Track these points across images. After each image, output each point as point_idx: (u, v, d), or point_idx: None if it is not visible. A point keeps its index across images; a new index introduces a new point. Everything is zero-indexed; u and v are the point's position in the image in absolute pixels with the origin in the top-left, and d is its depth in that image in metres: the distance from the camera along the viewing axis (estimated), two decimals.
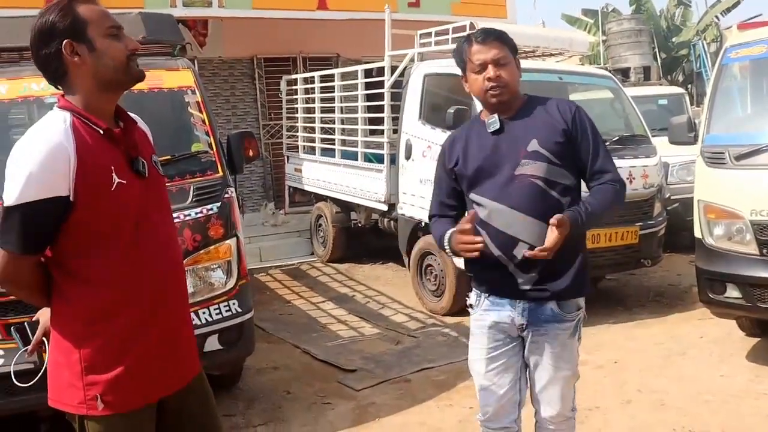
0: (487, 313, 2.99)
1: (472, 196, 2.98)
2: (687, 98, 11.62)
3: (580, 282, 2.98)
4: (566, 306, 2.94)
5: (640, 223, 6.78)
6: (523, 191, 2.85)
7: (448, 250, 2.94)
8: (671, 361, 5.57)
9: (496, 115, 2.92)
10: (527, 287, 2.89)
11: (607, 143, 6.66)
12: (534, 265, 2.86)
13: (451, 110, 6.48)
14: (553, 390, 2.98)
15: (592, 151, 2.90)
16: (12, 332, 2.55)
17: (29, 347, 2.51)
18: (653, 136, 7.65)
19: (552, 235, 2.73)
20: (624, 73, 14.11)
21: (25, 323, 2.51)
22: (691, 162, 8.78)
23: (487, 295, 3.00)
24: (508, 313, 2.94)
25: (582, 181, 3.00)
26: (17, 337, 2.53)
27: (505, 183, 2.87)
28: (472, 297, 3.09)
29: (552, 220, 2.72)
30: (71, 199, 2.11)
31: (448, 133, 6.64)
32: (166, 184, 2.54)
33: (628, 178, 6.62)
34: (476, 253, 2.80)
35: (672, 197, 8.46)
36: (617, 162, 6.46)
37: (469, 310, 3.12)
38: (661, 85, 13.28)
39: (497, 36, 2.92)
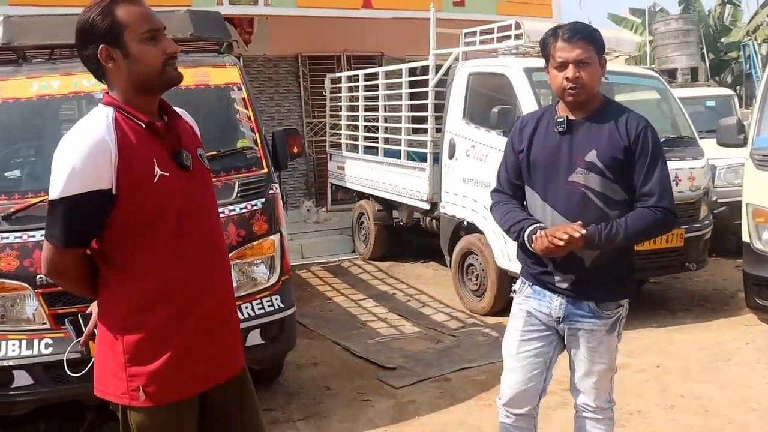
0: (528, 300, 3.10)
1: (527, 189, 3.05)
2: (736, 100, 11.40)
3: (618, 290, 3.04)
4: (604, 305, 3.00)
5: (686, 226, 6.66)
6: (573, 199, 2.89)
7: (526, 242, 2.93)
8: (715, 367, 5.48)
9: (564, 117, 2.94)
10: (563, 286, 2.97)
11: None
12: (572, 268, 2.93)
13: (496, 110, 6.46)
14: (588, 381, 3.07)
15: (646, 172, 2.89)
16: (66, 323, 2.60)
17: (81, 339, 2.56)
18: (700, 138, 7.52)
19: (559, 230, 2.78)
20: (671, 74, 13.87)
21: (79, 315, 2.56)
22: (739, 165, 8.63)
23: (531, 283, 3.09)
24: (546, 304, 3.04)
25: None
26: (71, 328, 2.58)
27: (558, 186, 2.92)
28: (518, 283, 3.19)
29: (568, 230, 2.77)
30: (114, 192, 2.15)
31: (492, 132, 6.69)
32: (212, 180, 2.57)
33: (674, 180, 6.51)
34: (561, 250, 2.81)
35: (719, 200, 8.32)
36: None
37: (513, 295, 3.23)
38: (709, 86, 13.03)
39: (585, 35, 2.88)
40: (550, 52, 2.92)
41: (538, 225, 2.90)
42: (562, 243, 2.75)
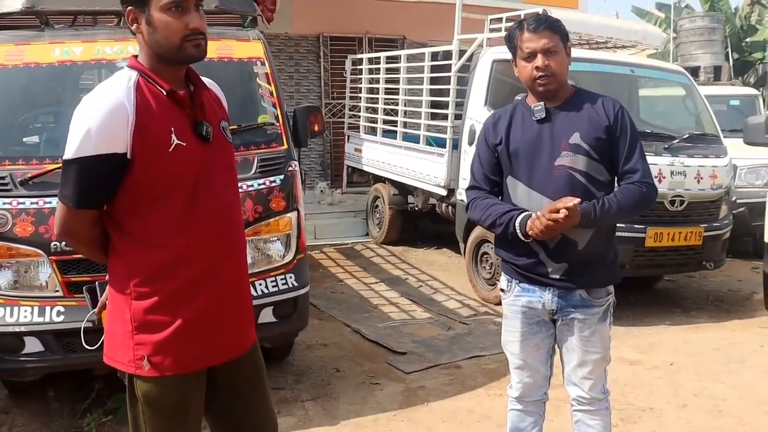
0: (519, 298, 3.10)
1: (509, 179, 3.05)
2: (761, 100, 11.24)
3: (609, 274, 3.08)
4: (595, 292, 3.03)
5: (705, 225, 6.59)
6: (560, 182, 2.91)
7: (518, 231, 2.91)
8: (729, 368, 5.42)
9: (542, 104, 2.97)
10: (556, 276, 2.98)
11: (677, 140, 6.58)
12: (565, 254, 2.95)
13: (519, 97, 6.36)
14: (581, 371, 3.08)
15: (628, 149, 2.95)
16: (84, 292, 2.57)
17: (96, 309, 2.53)
18: (723, 137, 7.42)
19: (555, 205, 2.77)
20: (693, 72, 13.69)
21: (97, 283, 2.54)
22: (761, 165, 8.55)
23: (517, 281, 3.09)
24: (538, 298, 3.04)
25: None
26: (87, 297, 2.55)
27: (543, 172, 2.94)
28: (503, 282, 3.19)
29: (564, 201, 2.77)
30: (128, 156, 2.14)
31: None
32: (233, 153, 2.54)
33: (696, 178, 6.47)
34: (555, 231, 2.81)
35: (738, 201, 8.21)
36: (686, 160, 6.36)
37: (501, 294, 3.23)
38: (733, 85, 12.86)
39: (549, 24, 2.94)
40: (517, 44, 2.97)
41: (527, 212, 2.91)
42: (562, 217, 2.74)
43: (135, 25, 2.22)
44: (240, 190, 3.97)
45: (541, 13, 7.00)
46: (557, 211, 2.76)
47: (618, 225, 3.20)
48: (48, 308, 4.05)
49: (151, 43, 2.21)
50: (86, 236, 2.29)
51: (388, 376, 5.23)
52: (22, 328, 4.00)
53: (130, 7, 2.21)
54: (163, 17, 2.18)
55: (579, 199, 2.78)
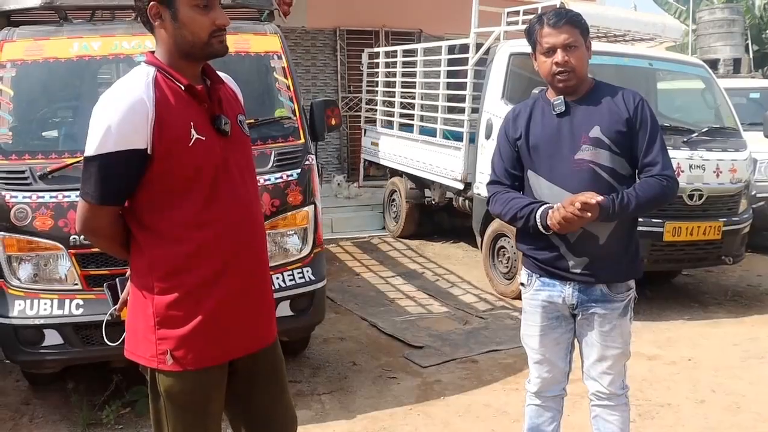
0: (539, 293, 3.08)
1: (530, 174, 3.04)
2: None
3: (630, 268, 3.06)
4: (616, 287, 3.00)
5: (725, 219, 6.55)
6: (580, 176, 2.89)
7: (538, 223, 2.89)
8: (748, 364, 5.39)
9: (561, 98, 2.96)
10: (577, 270, 2.96)
11: (696, 134, 6.52)
12: (586, 249, 2.94)
13: (536, 90, 6.33)
14: (601, 366, 3.07)
15: (647, 142, 2.92)
16: (104, 288, 2.58)
17: (117, 306, 2.54)
18: (743, 130, 7.36)
19: (576, 199, 2.74)
20: (713, 64, 13.56)
21: (117, 279, 2.55)
22: None
23: (538, 275, 3.07)
24: (558, 292, 3.03)
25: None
26: (108, 293, 2.56)
27: (564, 166, 2.93)
28: (524, 276, 3.17)
29: (586, 196, 2.74)
30: (149, 152, 2.14)
31: None
32: (251, 147, 2.54)
33: (715, 172, 6.42)
34: (576, 225, 2.79)
35: (758, 195, 8.14)
36: (705, 154, 6.31)
37: (521, 288, 3.22)
38: (753, 78, 12.72)
39: (569, 19, 2.92)
40: (537, 38, 2.96)
41: (548, 204, 2.89)
42: (578, 209, 2.72)
43: (158, 21, 2.21)
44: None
45: (559, 6, 6.97)
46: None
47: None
48: (67, 301, 4.08)
49: (176, 38, 2.21)
50: (108, 232, 2.30)
51: (405, 370, 5.23)
52: (42, 321, 4.04)
53: (153, 2, 2.19)
54: (190, 13, 2.19)
55: (602, 197, 2.75)
